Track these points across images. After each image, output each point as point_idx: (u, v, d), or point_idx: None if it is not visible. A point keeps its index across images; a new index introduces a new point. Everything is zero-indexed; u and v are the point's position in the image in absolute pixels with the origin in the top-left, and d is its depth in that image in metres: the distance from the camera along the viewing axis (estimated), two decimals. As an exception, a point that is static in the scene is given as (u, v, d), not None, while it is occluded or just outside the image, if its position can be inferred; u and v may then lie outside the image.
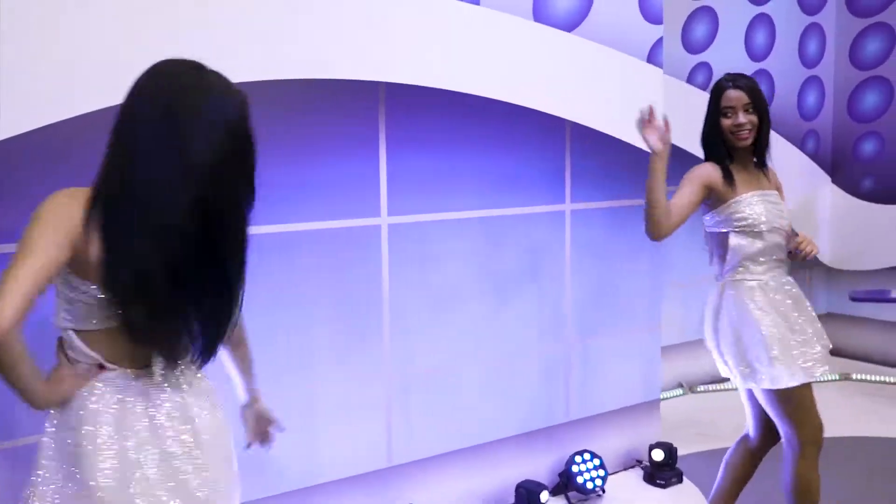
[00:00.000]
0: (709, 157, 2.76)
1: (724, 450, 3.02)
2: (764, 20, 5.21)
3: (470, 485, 3.38)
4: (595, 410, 3.72)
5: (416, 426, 3.23)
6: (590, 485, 3.51)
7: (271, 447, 2.11)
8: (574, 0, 3.44)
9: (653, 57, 3.72)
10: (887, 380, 5.23)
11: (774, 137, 5.65)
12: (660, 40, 3.74)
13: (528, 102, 3.35)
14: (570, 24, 3.45)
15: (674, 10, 4.71)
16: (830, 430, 4.25)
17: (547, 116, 3.42)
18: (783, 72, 5.38)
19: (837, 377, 5.36)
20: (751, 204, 2.70)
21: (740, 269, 2.68)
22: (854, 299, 5.24)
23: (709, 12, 4.90)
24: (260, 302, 2.79)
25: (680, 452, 3.78)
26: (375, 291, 3.09)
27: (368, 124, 3.01)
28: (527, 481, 3.37)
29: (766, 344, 2.59)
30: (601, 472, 3.55)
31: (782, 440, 2.76)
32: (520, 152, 3.41)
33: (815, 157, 5.68)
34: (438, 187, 3.21)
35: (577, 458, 3.53)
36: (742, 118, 2.69)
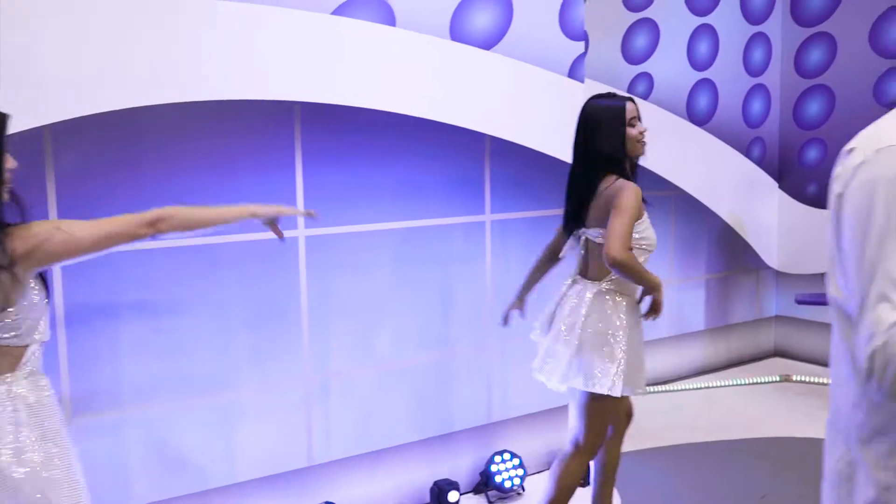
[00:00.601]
0: (615, 171, 2.83)
1: (644, 451, 3.15)
2: (707, 30, 5.34)
3: (391, 483, 3.54)
4: (518, 412, 3.87)
5: (337, 427, 3.39)
6: (508, 483, 3.66)
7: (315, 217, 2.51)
8: (492, 19, 3.59)
9: (574, 72, 3.86)
10: (826, 381, 5.36)
11: (723, 146, 5.80)
12: (581, 56, 3.88)
13: (445, 118, 3.50)
14: (489, 42, 3.59)
15: (613, 22, 4.85)
16: (766, 430, 4.42)
17: (466, 130, 3.57)
18: (727, 81, 5.51)
19: (778, 378, 5.50)
20: (650, 224, 2.85)
21: (621, 282, 2.82)
22: (799, 302, 5.40)
23: (649, 23, 5.03)
24: (181, 310, 2.97)
25: (601, 452, 3.93)
26: (294, 300, 3.25)
27: (284, 141, 3.16)
28: (441, 480, 3.52)
29: (624, 354, 2.75)
30: (520, 472, 3.70)
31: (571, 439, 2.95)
32: (439, 165, 3.55)
33: (761, 163, 5.81)
34: (356, 200, 3.35)
35: (497, 458, 3.68)
36: (642, 126, 2.85)
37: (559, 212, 3.80)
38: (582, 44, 3.89)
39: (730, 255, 5.73)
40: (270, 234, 3.15)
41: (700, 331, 5.62)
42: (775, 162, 5.89)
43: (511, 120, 3.67)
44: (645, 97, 5.00)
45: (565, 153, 3.86)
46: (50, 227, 1.85)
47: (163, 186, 2.91)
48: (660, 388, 5.30)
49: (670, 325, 5.39)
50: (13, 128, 1.90)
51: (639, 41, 5.01)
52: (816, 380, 5.41)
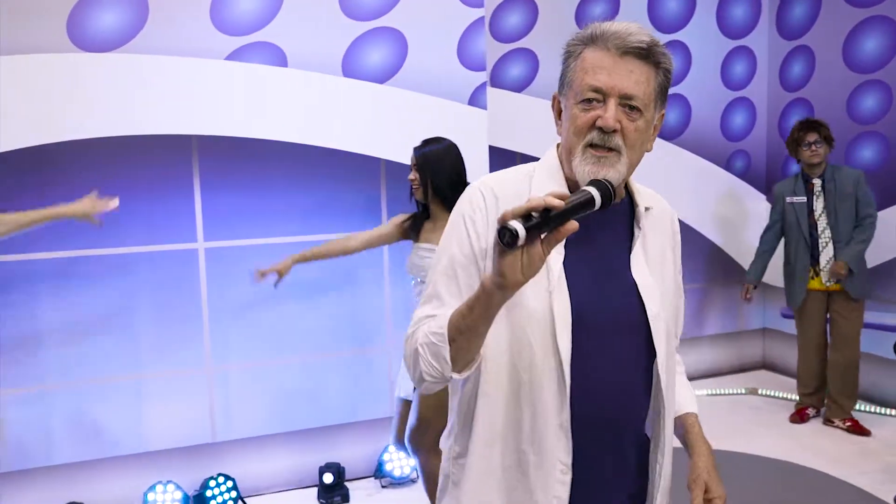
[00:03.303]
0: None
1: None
2: (678, 46, 5.43)
3: (285, 463, 4.06)
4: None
5: (237, 410, 3.95)
6: (398, 472, 4.08)
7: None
8: (384, 56, 4.00)
9: (475, 100, 4.19)
10: (789, 396, 5.33)
11: (696, 158, 5.84)
12: (482, 85, 4.20)
13: (338, 145, 3.96)
14: (383, 77, 4.01)
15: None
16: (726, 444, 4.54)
17: (361, 155, 4.01)
18: (701, 95, 5.56)
19: (744, 391, 5.51)
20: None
21: None
22: (785, 316, 5.42)
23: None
24: (97, 310, 3.62)
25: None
26: (196, 303, 3.83)
27: (184, 169, 3.75)
28: (327, 464, 3.99)
29: None
30: (412, 462, 4.10)
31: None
32: (336, 186, 4.01)
33: (744, 176, 5.80)
34: (252, 217, 3.89)
35: (391, 449, 4.11)
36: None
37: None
38: (483, 73, 4.21)
39: (709, 265, 5.77)
40: (175, 245, 3.79)
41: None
42: (762, 174, 5.86)
43: (405, 145, 4.06)
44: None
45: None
46: None
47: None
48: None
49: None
50: None
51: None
52: (780, 394, 5.39)
